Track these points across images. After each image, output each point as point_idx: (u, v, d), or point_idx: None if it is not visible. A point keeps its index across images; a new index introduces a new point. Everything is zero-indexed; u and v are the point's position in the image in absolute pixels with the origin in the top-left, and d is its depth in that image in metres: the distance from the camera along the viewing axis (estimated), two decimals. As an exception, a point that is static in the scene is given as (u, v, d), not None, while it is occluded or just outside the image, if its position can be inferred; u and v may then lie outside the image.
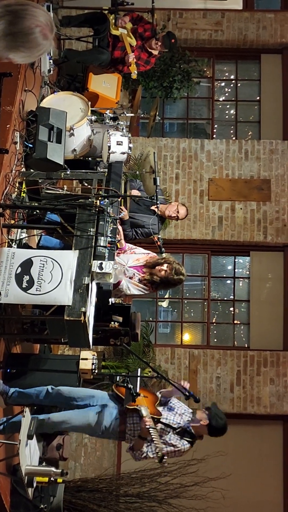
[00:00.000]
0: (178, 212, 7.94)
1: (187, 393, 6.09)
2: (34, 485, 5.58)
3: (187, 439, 6.20)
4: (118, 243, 6.35)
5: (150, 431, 5.87)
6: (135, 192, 7.75)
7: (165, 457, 5.85)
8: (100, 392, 6.45)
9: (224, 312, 10.69)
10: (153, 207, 7.82)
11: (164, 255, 6.66)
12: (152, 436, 5.85)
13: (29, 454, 5.59)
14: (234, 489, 8.99)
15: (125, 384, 6.01)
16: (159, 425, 6.15)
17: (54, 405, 6.60)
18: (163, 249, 6.48)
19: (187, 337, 10.55)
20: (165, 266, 6.66)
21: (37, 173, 6.39)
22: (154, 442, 5.84)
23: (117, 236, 6.14)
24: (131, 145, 7.04)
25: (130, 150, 7.05)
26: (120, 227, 6.44)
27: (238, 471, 9.26)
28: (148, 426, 5.89)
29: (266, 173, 10.47)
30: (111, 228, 5.85)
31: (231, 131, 11.24)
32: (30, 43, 2.65)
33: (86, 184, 6.53)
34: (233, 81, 11.34)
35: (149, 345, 9.56)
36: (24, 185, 6.38)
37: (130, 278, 6.69)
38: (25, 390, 6.27)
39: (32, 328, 6.30)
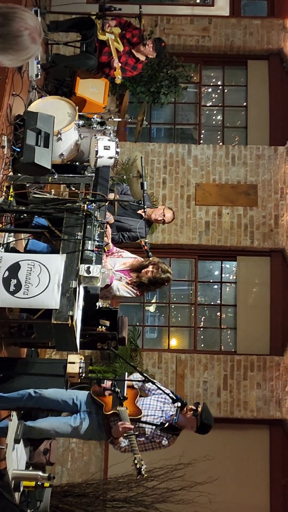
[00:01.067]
0: (164, 215, 7.96)
1: (174, 397, 6.10)
2: (21, 489, 5.57)
3: (169, 433, 6.19)
4: (106, 246, 6.36)
5: (128, 437, 5.91)
6: (112, 195, 7.74)
7: (143, 471, 5.83)
8: (82, 394, 6.44)
9: (211, 317, 10.71)
10: (140, 211, 7.84)
11: (151, 258, 6.68)
12: (132, 445, 5.88)
13: (16, 458, 5.58)
14: (221, 493, 9.01)
15: (112, 388, 6.01)
16: (141, 425, 6.16)
17: (38, 408, 6.59)
18: (150, 253, 6.50)
19: (174, 342, 10.56)
20: (150, 267, 6.68)
21: (25, 177, 6.38)
22: (133, 454, 5.86)
23: (105, 238, 6.15)
24: (118, 150, 7.05)
25: (117, 154, 7.06)
26: (109, 230, 6.45)
27: (225, 475, 9.28)
28: (125, 433, 5.93)
29: (253, 178, 10.51)
30: (99, 232, 5.85)
31: (218, 137, 11.28)
32: (19, 45, 2.67)
33: (73, 189, 6.54)
34: (220, 87, 11.38)
35: (136, 350, 9.56)
36: (11, 189, 6.37)
37: (118, 280, 6.70)
38: (7, 395, 6.26)
39: (19, 332, 6.29)
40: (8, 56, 2.69)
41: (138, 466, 5.76)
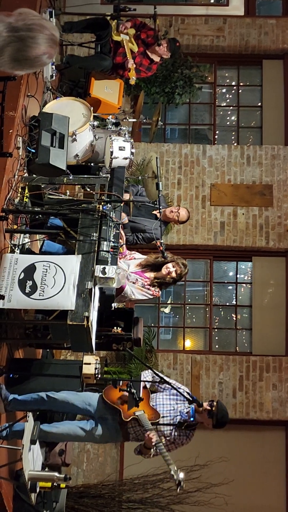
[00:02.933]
0: (178, 214, 7.95)
1: (190, 398, 6.08)
2: (37, 490, 5.56)
3: (188, 430, 6.17)
4: (120, 248, 6.36)
5: (157, 447, 5.86)
6: (127, 196, 7.74)
7: (182, 483, 5.68)
8: (95, 398, 6.38)
9: (226, 318, 10.68)
10: (155, 212, 7.83)
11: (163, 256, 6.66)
12: (164, 457, 5.80)
13: (32, 459, 5.58)
14: (236, 495, 8.98)
15: (128, 389, 5.99)
16: (161, 427, 6.14)
17: (54, 410, 6.59)
18: (165, 254, 6.49)
19: (189, 343, 10.54)
20: (170, 266, 6.66)
21: (40, 178, 6.40)
22: (168, 465, 5.74)
23: (120, 240, 6.15)
24: (133, 151, 7.05)
25: (132, 155, 7.05)
26: (122, 232, 6.44)
27: (240, 477, 9.24)
28: (154, 443, 5.88)
29: (268, 178, 10.47)
30: (114, 233, 5.85)
31: (233, 137, 11.24)
32: (36, 66, 2.70)
33: (88, 189, 6.54)
34: (235, 87, 11.35)
35: (152, 351, 9.54)
36: (26, 190, 6.39)
37: (133, 283, 6.68)
38: (22, 398, 6.25)
39: (34, 333, 6.30)
40: (25, 71, 2.72)
41: (175, 477, 5.62)
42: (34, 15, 2.66)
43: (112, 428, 6.24)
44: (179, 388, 6.28)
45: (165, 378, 6.39)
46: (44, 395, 6.27)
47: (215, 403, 6.16)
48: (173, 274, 6.68)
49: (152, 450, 6.03)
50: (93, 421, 6.28)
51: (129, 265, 6.73)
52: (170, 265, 6.68)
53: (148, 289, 6.70)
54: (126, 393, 6.01)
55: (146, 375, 6.50)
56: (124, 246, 6.76)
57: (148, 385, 6.48)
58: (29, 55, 2.64)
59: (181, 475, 5.59)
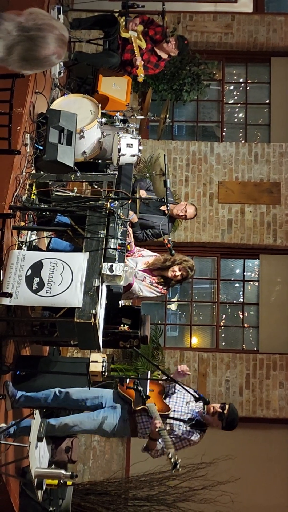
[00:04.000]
0: (186, 210, 7.93)
1: (197, 395, 6.07)
2: (44, 487, 5.56)
3: (198, 429, 6.17)
4: (128, 246, 6.35)
5: (161, 434, 5.84)
6: (142, 192, 7.73)
7: (178, 465, 5.71)
8: (107, 391, 6.43)
9: (233, 315, 10.66)
10: (162, 208, 7.81)
11: (173, 253, 6.64)
12: (165, 441, 5.80)
13: (39, 456, 5.58)
14: (243, 493, 8.96)
15: (135, 387, 5.98)
16: (170, 421, 6.14)
17: (62, 407, 6.59)
18: (173, 251, 6.46)
19: (196, 340, 10.53)
20: (177, 269, 6.64)
21: (47, 175, 6.38)
22: (167, 448, 5.76)
23: (127, 238, 6.13)
24: (141, 148, 7.03)
25: (140, 152, 7.03)
26: (130, 230, 6.43)
27: (247, 475, 9.22)
28: (158, 429, 5.86)
29: (276, 176, 10.45)
30: (121, 230, 5.83)
31: (241, 134, 11.22)
32: (45, 65, 2.72)
33: (96, 186, 6.52)
34: (243, 84, 11.32)
35: (158, 348, 9.54)
36: (34, 187, 6.38)
37: (141, 281, 6.67)
38: (32, 394, 6.25)
39: (41, 330, 6.29)
40: (33, 71, 2.73)
41: (172, 460, 5.65)
42: (44, 14, 2.65)
43: (121, 419, 6.25)
44: (189, 387, 6.29)
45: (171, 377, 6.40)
46: (56, 390, 6.29)
47: (227, 406, 6.16)
48: (178, 278, 6.67)
49: (158, 445, 6.02)
50: (101, 411, 6.29)
51: (137, 262, 6.72)
52: (176, 268, 6.66)
53: (156, 286, 6.69)
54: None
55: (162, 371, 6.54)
56: (132, 243, 6.75)
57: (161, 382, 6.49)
58: (38, 55, 2.63)
59: (179, 459, 5.60)
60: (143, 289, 6.60)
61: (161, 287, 6.72)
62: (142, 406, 6.13)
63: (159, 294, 6.83)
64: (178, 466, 5.58)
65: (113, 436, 6.31)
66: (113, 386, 6.66)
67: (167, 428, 6.10)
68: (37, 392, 6.31)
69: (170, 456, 5.62)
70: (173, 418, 6.18)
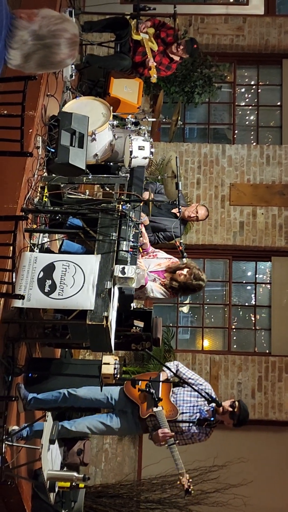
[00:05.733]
0: (197, 212, 7.93)
1: (209, 398, 6.06)
2: (56, 490, 5.57)
3: (207, 427, 6.15)
4: (142, 245, 6.35)
5: (171, 450, 5.85)
6: (145, 195, 7.73)
7: (191, 490, 5.70)
8: (116, 392, 6.42)
9: (245, 318, 10.64)
10: (174, 210, 7.81)
11: (185, 260, 6.62)
12: (176, 463, 5.80)
13: (51, 459, 5.59)
14: (255, 496, 8.93)
15: (147, 389, 5.98)
16: (179, 423, 6.13)
17: (73, 408, 6.59)
18: (185, 254, 6.46)
19: (207, 343, 10.51)
20: (185, 271, 6.60)
21: (59, 177, 6.39)
22: (178, 470, 5.77)
23: (141, 238, 6.13)
24: (152, 150, 7.02)
25: (152, 155, 7.03)
26: (144, 229, 6.43)
27: (259, 477, 9.19)
28: (168, 447, 5.88)
29: (288, 178, 10.43)
30: (133, 232, 5.84)
31: (252, 136, 11.20)
32: (59, 67, 2.76)
33: (107, 189, 6.53)
34: (254, 86, 11.31)
35: (170, 351, 9.53)
36: (46, 190, 6.39)
37: (152, 281, 6.66)
38: (42, 396, 6.26)
39: (53, 332, 6.31)
40: (47, 71, 2.78)
41: (186, 486, 5.64)
42: (56, 18, 2.65)
43: (132, 422, 6.28)
44: (201, 385, 6.28)
45: (188, 372, 6.39)
46: (65, 391, 6.28)
47: (236, 403, 6.15)
48: (181, 277, 6.59)
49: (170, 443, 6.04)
50: (112, 414, 6.30)
51: (149, 264, 6.71)
52: (185, 270, 6.62)
53: (166, 289, 6.67)
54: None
55: (171, 366, 6.50)
56: (148, 243, 6.73)
57: (170, 378, 6.48)
58: (54, 60, 2.66)
59: (189, 483, 5.62)
60: (155, 289, 6.58)
61: (169, 290, 6.69)
62: (150, 413, 6.13)
63: (167, 297, 6.80)
64: (190, 490, 5.59)
65: (127, 435, 6.34)
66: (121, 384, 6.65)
67: (177, 431, 6.11)
68: (50, 392, 6.31)
69: (182, 481, 5.63)
70: (182, 421, 6.16)
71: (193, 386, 6.12)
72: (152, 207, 7.58)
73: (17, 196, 5.97)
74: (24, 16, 2.61)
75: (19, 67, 2.65)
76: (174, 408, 6.21)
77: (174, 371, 6.40)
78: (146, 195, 7.65)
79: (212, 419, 6.13)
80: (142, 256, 6.63)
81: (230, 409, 6.10)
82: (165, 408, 6.15)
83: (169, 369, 6.41)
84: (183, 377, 6.32)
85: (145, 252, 6.72)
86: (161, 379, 6.34)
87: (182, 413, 6.21)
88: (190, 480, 5.71)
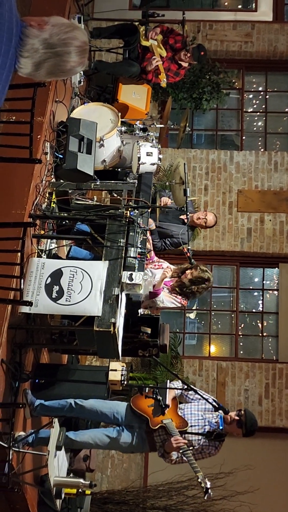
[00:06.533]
0: (206, 217, 7.93)
1: (216, 405, 6.04)
2: (62, 496, 5.55)
3: (216, 440, 6.12)
4: (148, 254, 6.36)
5: (185, 455, 5.81)
6: (165, 200, 7.74)
7: (210, 490, 5.67)
8: (122, 407, 6.35)
9: (252, 324, 10.62)
10: (182, 216, 7.81)
11: (188, 265, 6.63)
12: (191, 465, 5.76)
13: (58, 465, 5.58)
14: (262, 503, 8.90)
15: (154, 396, 5.96)
16: (188, 436, 6.10)
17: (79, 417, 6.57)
18: (193, 260, 6.45)
19: (214, 349, 10.49)
20: (189, 270, 6.63)
21: (67, 183, 6.40)
22: (195, 473, 5.72)
23: (148, 245, 6.13)
24: (160, 156, 7.03)
25: (160, 161, 7.04)
26: (149, 237, 6.42)
27: (266, 485, 9.16)
28: (182, 451, 5.83)
29: (296, 184, 10.42)
30: (141, 239, 5.83)
31: (260, 143, 11.19)
32: (70, 74, 2.77)
33: (115, 195, 6.53)
34: (263, 93, 11.30)
35: (177, 357, 9.51)
36: (54, 196, 6.40)
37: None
38: (48, 403, 6.24)
39: (60, 338, 6.30)
40: (56, 79, 2.79)
41: (203, 485, 5.61)
42: (66, 26, 2.66)
43: (139, 437, 6.19)
44: (204, 394, 6.26)
45: (191, 386, 6.36)
46: (72, 401, 6.24)
47: (242, 412, 6.12)
48: (189, 276, 6.61)
49: (173, 455, 5.99)
50: (119, 428, 6.25)
51: (155, 274, 6.70)
52: (189, 270, 6.64)
53: (176, 296, 6.66)
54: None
55: (177, 385, 6.47)
56: (152, 251, 6.74)
57: (177, 396, 6.44)
58: (64, 68, 2.66)
59: (208, 483, 5.57)
60: (165, 299, 6.58)
61: (180, 297, 6.69)
62: (160, 425, 6.07)
63: (179, 305, 6.80)
64: (209, 491, 5.55)
65: (131, 452, 6.30)
66: (127, 399, 6.61)
67: (187, 444, 6.08)
68: (55, 400, 6.29)
69: (199, 480, 5.58)
70: (191, 433, 6.13)
71: (199, 392, 6.11)
72: (159, 213, 7.58)
73: (25, 202, 5.98)
74: (35, 24, 2.62)
75: (30, 75, 2.66)
76: (184, 420, 6.17)
77: (181, 384, 6.38)
78: (164, 200, 7.66)
79: (221, 427, 6.10)
80: (147, 265, 6.62)
81: (237, 418, 6.07)
82: (174, 421, 6.11)
83: (179, 378, 6.38)
84: (191, 386, 6.30)
85: (150, 261, 6.71)
86: (168, 386, 6.31)
87: (191, 426, 6.17)
88: (208, 482, 5.66)
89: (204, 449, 6.13)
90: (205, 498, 5.69)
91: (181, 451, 5.83)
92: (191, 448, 5.97)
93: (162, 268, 6.81)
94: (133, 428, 6.20)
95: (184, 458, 5.85)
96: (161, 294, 6.51)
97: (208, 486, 5.55)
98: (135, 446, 6.26)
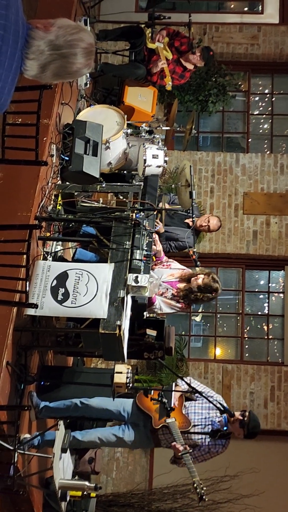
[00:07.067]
0: (209, 221, 7.92)
1: (222, 408, 6.03)
2: (68, 499, 5.54)
3: (222, 439, 6.11)
4: (156, 254, 6.34)
5: (184, 459, 5.80)
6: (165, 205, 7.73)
7: (205, 497, 5.66)
8: (129, 404, 6.38)
9: (257, 327, 10.60)
10: (187, 220, 7.81)
11: (198, 269, 6.60)
12: (189, 468, 5.75)
13: (63, 467, 5.56)
14: (267, 506, 8.87)
15: (160, 399, 5.95)
16: (192, 436, 6.09)
17: (85, 417, 6.57)
18: (198, 263, 6.44)
19: (220, 352, 10.48)
20: (201, 276, 6.58)
21: (73, 186, 6.40)
22: (192, 477, 5.71)
23: (155, 246, 6.11)
24: (166, 159, 7.02)
25: (166, 163, 7.03)
26: (157, 237, 6.41)
27: (271, 488, 9.12)
28: (181, 453, 5.83)
29: (302, 187, 10.41)
30: (147, 241, 5.83)
31: (266, 145, 11.18)
32: (76, 77, 2.77)
33: (121, 197, 6.53)
34: (269, 95, 11.29)
35: (183, 359, 9.50)
36: (60, 198, 6.40)
37: (162, 294, 6.62)
38: (53, 405, 6.24)
39: (66, 340, 6.29)
40: (63, 81, 2.78)
41: (198, 490, 5.60)
42: (72, 27, 2.65)
43: (144, 435, 6.23)
44: (212, 397, 6.24)
45: (199, 386, 6.35)
46: (77, 401, 6.26)
47: (247, 413, 6.11)
48: (199, 281, 6.58)
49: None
50: (125, 426, 6.27)
51: (162, 273, 6.69)
52: (201, 275, 6.61)
53: (177, 301, 6.62)
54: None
55: (185, 381, 6.47)
56: (162, 251, 6.72)
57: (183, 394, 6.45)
58: (70, 70, 2.66)
59: (204, 489, 5.57)
60: (163, 306, 6.57)
61: (182, 301, 6.65)
62: (162, 424, 6.09)
63: (179, 310, 6.77)
64: (204, 497, 5.54)
65: (136, 449, 6.29)
66: (133, 396, 6.62)
67: (191, 444, 6.06)
68: (62, 401, 6.30)
69: (195, 485, 5.58)
70: (195, 433, 6.12)
71: (206, 397, 6.09)
72: (164, 216, 7.57)
73: (31, 204, 5.98)
74: (41, 26, 2.61)
75: (36, 77, 2.65)
76: (187, 419, 6.17)
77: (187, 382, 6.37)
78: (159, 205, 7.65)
79: (225, 428, 6.09)
80: (156, 265, 6.62)
81: (240, 417, 6.06)
82: (177, 420, 6.12)
83: (183, 379, 6.38)
84: (197, 388, 6.29)
85: (158, 261, 6.70)
86: (174, 389, 6.31)
87: (195, 425, 6.17)
88: (204, 487, 5.65)
89: (211, 448, 6.13)
90: (199, 504, 5.68)
91: (180, 454, 5.83)
92: (191, 450, 5.96)
93: (171, 268, 6.79)
94: (139, 426, 6.24)
95: (183, 461, 5.83)
96: (156, 302, 6.49)
97: (203, 492, 5.55)
98: (141, 443, 6.34)
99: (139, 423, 6.25)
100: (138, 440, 6.24)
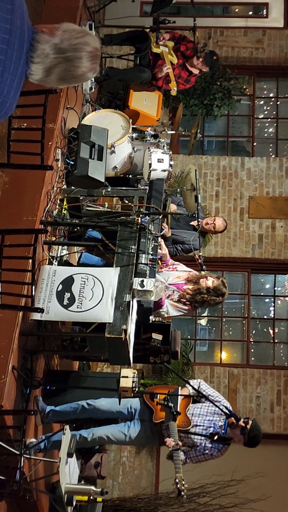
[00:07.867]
0: (214, 220, 7.92)
1: (228, 412, 6.02)
2: (74, 503, 5.53)
3: (221, 443, 6.10)
4: (161, 258, 6.34)
5: (173, 455, 5.80)
6: (173, 207, 7.73)
7: (183, 493, 5.64)
8: (136, 402, 6.40)
9: (263, 331, 10.59)
10: (193, 222, 7.81)
11: (204, 272, 6.60)
12: (175, 464, 5.75)
13: (69, 472, 5.55)
14: (274, 511, 8.84)
15: (165, 403, 5.95)
16: (191, 436, 6.09)
17: (92, 419, 6.57)
18: (204, 266, 6.43)
19: (226, 356, 10.46)
20: (210, 280, 6.56)
21: (78, 190, 6.41)
22: (176, 472, 5.71)
23: (160, 249, 6.11)
24: (172, 163, 7.01)
25: (171, 167, 7.02)
26: (162, 241, 6.41)
27: (278, 492, 9.09)
28: (172, 449, 5.84)
29: (307, 191, 10.40)
30: (152, 245, 5.83)
31: (271, 149, 11.18)
32: (81, 81, 2.75)
33: (126, 202, 6.53)
34: (273, 99, 11.29)
35: (189, 363, 9.49)
36: (65, 202, 6.40)
37: (169, 296, 6.62)
38: (60, 408, 6.24)
39: (71, 345, 6.30)
40: (68, 85, 2.76)
41: (178, 486, 5.59)
42: (77, 31, 2.65)
43: (149, 429, 6.28)
44: (219, 401, 6.23)
45: (208, 389, 6.36)
46: (83, 403, 6.27)
47: (250, 421, 6.09)
48: (209, 283, 6.56)
49: (181, 456, 5.97)
50: (130, 422, 6.30)
51: (169, 276, 6.68)
52: (210, 278, 6.59)
53: (184, 303, 6.62)
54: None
55: (194, 383, 6.47)
56: (167, 254, 6.72)
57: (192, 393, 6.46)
58: (75, 74, 2.65)
59: (185, 486, 5.56)
60: (170, 309, 6.56)
61: (188, 303, 6.64)
62: (161, 419, 6.12)
63: (186, 312, 6.77)
64: (183, 494, 5.54)
65: (142, 446, 6.29)
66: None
67: (189, 444, 6.07)
68: (68, 404, 6.30)
69: (176, 481, 5.57)
70: (194, 434, 6.13)
71: (212, 401, 6.08)
72: (171, 219, 7.56)
73: (37, 209, 5.99)
74: (46, 30, 2.61)
75: (41, 81, 2.65)
76: (188, 419, 6.20)
77: (196, 387, 6.37)
78: (173, 207, 7.65)
79: (223, 432, 6.09)
80: (161, 268, 6.62)
81: (243, 424, 6.05)
82: (178, 418, 6.11)
83: (189, 383, 6.38)
84: (204, 393, 6.29)
85: (164, 264, 6.70)
86: (180, 393, 6.30)
87: (196, 425, 6.18)
88: (185, 484, 5.64)
89: (206, 451, 6.13)
90: (177, 499, 5.69)
91: (170, 448, 5.84)
92: (182, 448, 5.96)
93: (177, 270, 6.78)
94: (145, 421, 6.27)
95: (172, 456, 5.84)
96: (165, 305, 6.49)
97: (183, 488, 5.54)
98: (146, 439, 6.38)
99: (145, 418, 6.30)
100: (144, 435, 6.27)
